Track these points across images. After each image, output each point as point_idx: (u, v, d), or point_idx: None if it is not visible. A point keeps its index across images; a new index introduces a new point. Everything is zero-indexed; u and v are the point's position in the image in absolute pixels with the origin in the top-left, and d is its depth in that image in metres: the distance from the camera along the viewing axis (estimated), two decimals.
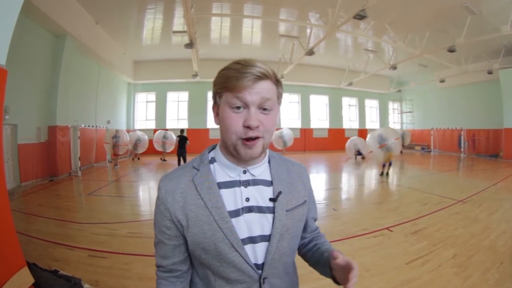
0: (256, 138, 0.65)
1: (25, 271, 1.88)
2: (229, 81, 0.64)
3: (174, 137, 12.58)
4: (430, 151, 15.88)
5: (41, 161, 7.47)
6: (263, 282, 0.69)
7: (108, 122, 12.08)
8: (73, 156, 8.77)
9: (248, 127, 0.63)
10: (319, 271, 0.80)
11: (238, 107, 0.64)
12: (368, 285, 2.37)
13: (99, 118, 11.11)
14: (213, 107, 0.73)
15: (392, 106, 20.47)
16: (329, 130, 17.90)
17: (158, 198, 0.72)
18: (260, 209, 0.70)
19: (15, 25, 1.87)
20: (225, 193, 0.69)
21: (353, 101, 18.98)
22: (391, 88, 17.95)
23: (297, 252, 0.87)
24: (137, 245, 3.23)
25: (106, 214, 4.49)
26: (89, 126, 9.93)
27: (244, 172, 0.72)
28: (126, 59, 13.23)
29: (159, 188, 0.72)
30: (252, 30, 10.85)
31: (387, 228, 3.73)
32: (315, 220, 0.89)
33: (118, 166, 10.30)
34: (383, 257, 2.91)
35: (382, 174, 8.50)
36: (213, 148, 0.78)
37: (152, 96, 15.81)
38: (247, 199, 0.70)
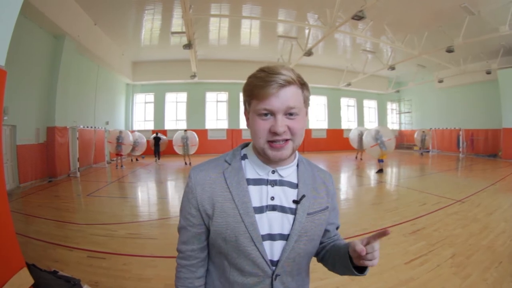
0: (286, 141, 0.68)
1: (25, 271, 1.88)
2: (255, 89, 0.67)
3: (195, 136, 12.07)
4: (428, 151, 15.91)
5: (40, 162, 7.46)
6: (275, 279, 0.72)
7: (107, 123, 12.06)
8: (72, 157, 8.76)
9: (274, 133, 0.66)
10: (339, 267, 0.79)
11: (265, 114, 0.67)
12: (367, 285, 2.38)
13: (97, 119, 11.11)
14: (245, 113, 0.77)
15: (391, 107, 20.50)
16: (328, 130, 17.93)
17: (187, 186, 0.76)
18: (283, 209, 0.73)
19: (14, 25, 1.87)
20: (252, 189, 0.73)
21: (352, 101, 19.02)
22: (389, 89, 17.98)
23: (315, 257, 0.87)
24: (135, 246, 3.23)
25: (105, 215, 4.49)
26: (87, 127, 9.92)
27: (273, 172, 0.75)
28: (124, 60, 13.23)
29: (189, 177, 0.76)
30: (250, 31, 10.87)
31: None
32: (337, 228, 0.89)
33: (124, 166, 10.36)
34: (382, 257, 2.88)
35: (378, 171, 8.64)
36: (246, 145, 0.82)
37: (150, 97, 15.80)
38: (272, 198, 0.73)
